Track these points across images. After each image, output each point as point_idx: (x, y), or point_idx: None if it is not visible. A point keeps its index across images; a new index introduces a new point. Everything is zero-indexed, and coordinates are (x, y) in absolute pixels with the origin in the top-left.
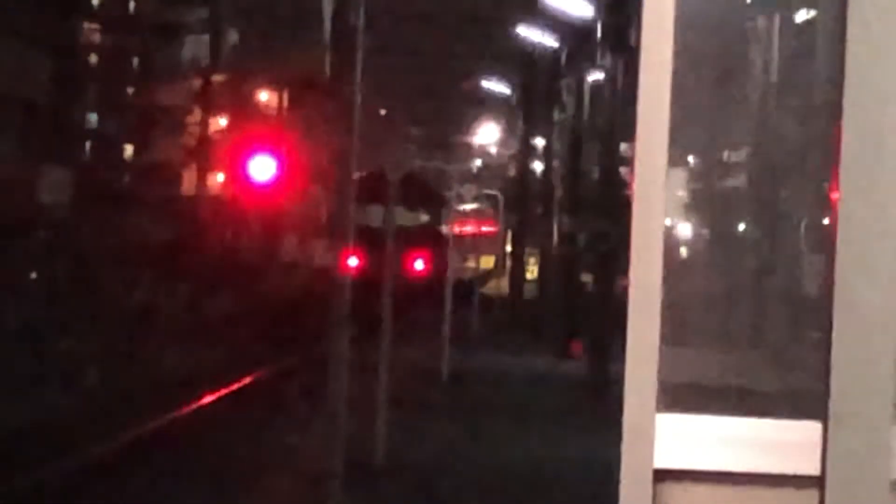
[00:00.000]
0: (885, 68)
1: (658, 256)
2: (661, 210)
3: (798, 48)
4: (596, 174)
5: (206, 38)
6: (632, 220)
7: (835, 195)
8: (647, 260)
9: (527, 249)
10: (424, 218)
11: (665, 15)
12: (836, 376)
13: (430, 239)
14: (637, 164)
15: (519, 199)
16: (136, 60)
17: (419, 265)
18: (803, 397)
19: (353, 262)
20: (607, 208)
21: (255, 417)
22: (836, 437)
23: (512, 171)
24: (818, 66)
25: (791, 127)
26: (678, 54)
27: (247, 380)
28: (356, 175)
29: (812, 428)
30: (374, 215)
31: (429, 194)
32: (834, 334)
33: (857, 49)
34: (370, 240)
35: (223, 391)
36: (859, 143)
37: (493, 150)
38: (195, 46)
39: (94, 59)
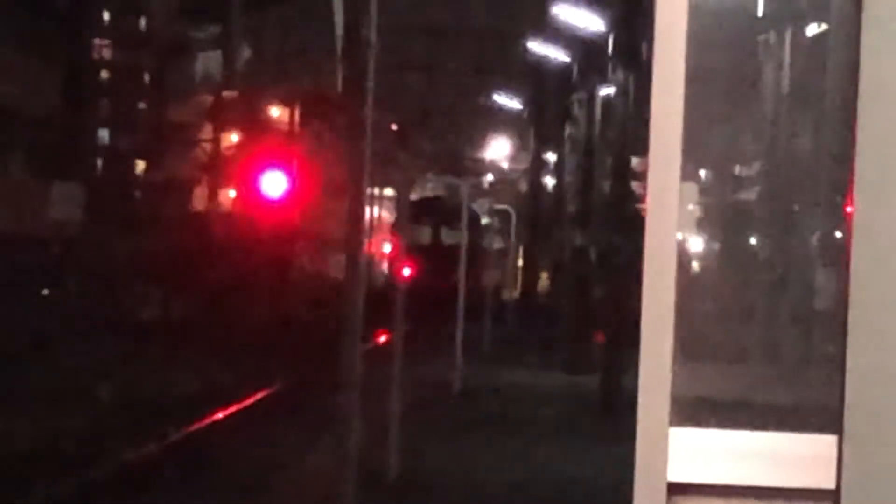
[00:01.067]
0: None
1: (671, 270)
2: (673, 224)
3: (810, 62)
4: (607, 189)
5: (218, 54)
6: (645, 235)
7: (849, 208)
8: (659, 274)
9: (539, 264)
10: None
11: (677, 30)
12: (851, 390)
13: (471, 254)
14: (650, 178)
15: (531, 214)
16: (147, 76)
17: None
18: (817, 412)
19: (406, 272)
20: (619, 223)
21: (267, 433)
22: (852, 451)
23: (524, 186)
24: (830, 80)
25: (804, 140)
26: (690, 69)
27: (257, 395)
28: (413, 198)
29: (827, 442)
30: (424, 234)
31: (469, 214)
32: (848, 347)
33: (870, 61)
34: (421, 254)
35: (234, 408)
36: (874, 156)
37: (505, 164)
38: (207, 63)
39: (105, 74)
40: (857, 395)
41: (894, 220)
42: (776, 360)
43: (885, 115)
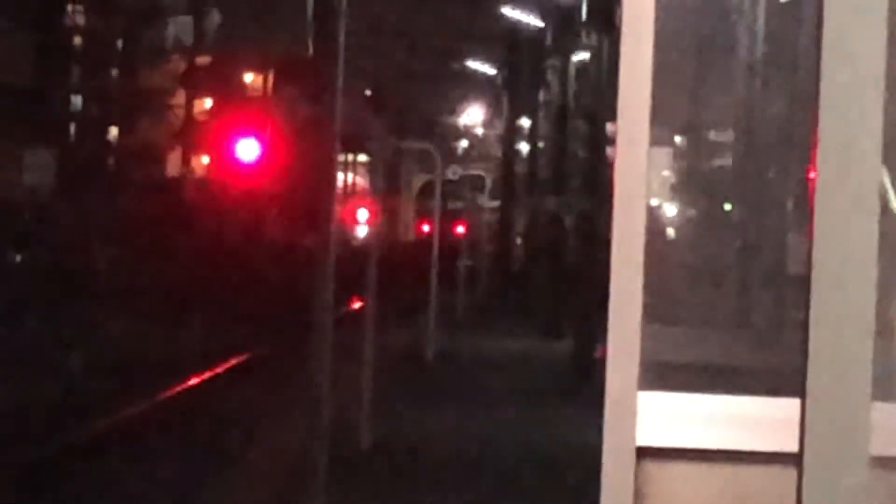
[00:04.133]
0: (863, 44)
1: (640, 235)
2: (642, 188)
3: (782, 26)
4: (581, 154)
5: (188, 19)
6: (614, 199)
7: (813, 174)
8: (628, 238)
9: (512, 229)
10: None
11: None
12: (815, 352)
13: (467, 215)
14: (618, 143)
15: (504, 180)
16: (119, 42)
17: (460, 229)
18: (788, 375)
19: (426, 228)
20: (593, 188)
21: (236, 402)
22: (814, 414)
23: (498, 152)
24: (803, 45)
25: (775, 106)
26: (660, 32)
27: (229, 362)
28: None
29: (792, 405)
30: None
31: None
32: (812, 310)
33: (833, 24)
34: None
35: (204, 375)
36: (836, 120)
37: (479, 130)
38: (179, 28)
39: (77, 41)
40: (820, 357)
41: (856, 186)
42: (747, 323)
43: (848, 80)
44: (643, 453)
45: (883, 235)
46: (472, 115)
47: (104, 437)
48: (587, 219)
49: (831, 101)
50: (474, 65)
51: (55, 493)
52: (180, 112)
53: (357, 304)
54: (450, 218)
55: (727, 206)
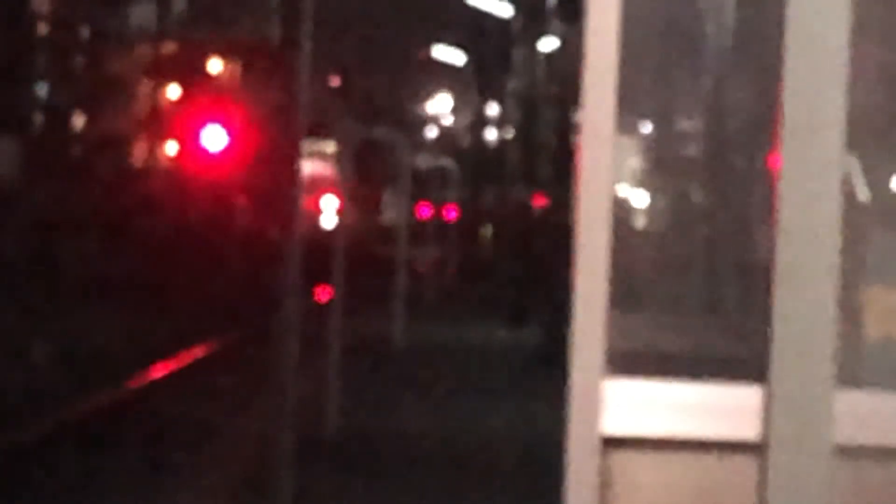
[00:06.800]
0: (826, 29)
1: (605, 221)
2: (608, 175)
3: (752, 11)
4: (550, 142)
5: (153, 5)
6: (579, 186)
7: (776, 161)
8: (593, 225)
9: (481, 218)
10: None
11: None
12: (778, 339)
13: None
14: (583, 130)
15: (473, 168)
16: (83, 29)
17: (452, 214)
18: (753, 362)
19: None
20: (561, 177)
21: (203, 389)
22: (777, 402)
23: (466, 141)
24: (773, 30)
25: (744, 93)
26: (627, 18)
27: (194, 351)
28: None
29: (759, 393)
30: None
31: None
32: (775, 297)
33: (797, 8)
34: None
35: (170, 363)
36: (799, 106)
37: (446, 118)
38: (143, 14)
39: (42, 28)
40: (783, 344)
41: (820, 172)
42: (713, 311)
43: (811, 66)
44: (607, 442)
45: (847, 222)
46: (440, 104)
47: (57, 432)
48: (556, 206)
49: (794, 88)
50: (442, 53)
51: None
52: (145, 99)
53: (323, 293)
54: (418, 205)
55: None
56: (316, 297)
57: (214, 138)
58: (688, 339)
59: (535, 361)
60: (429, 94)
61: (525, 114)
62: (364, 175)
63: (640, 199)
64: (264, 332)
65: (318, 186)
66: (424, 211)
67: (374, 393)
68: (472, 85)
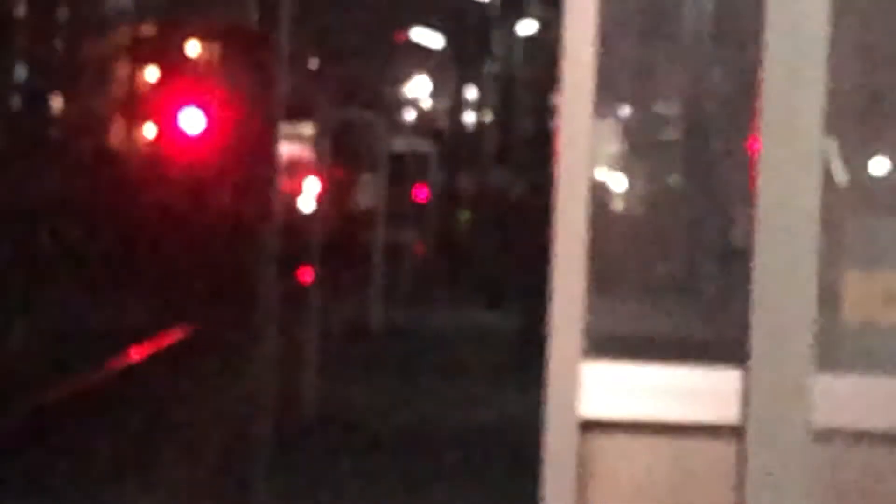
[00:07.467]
0: (806, 15)
1: (583, 205)
2: (586, 159)
3: None
4: (529, 127)
5: None
6: (557, 169)
7: (755, 145)
8: (572, 208)
9: (459, 202)
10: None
11: None
12: (757, 323)
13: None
14: (562, 114)
15: (451, 152)
16: (61, 11)
17: (424, 196)
18: (731, 346)
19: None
20: (540, 161)
21: (180, 373)
22: (756, 385)
23: (444, 124)
24: (752, 14)
25: (724, 77)
26: (605, 1)
27: (171, 335)
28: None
29: (738, 376)
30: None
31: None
32: (754, 280)
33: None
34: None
35: (145, 348)
36: (778, 92)
37: (424, 102)
38: None
39: (19, 10)
40: (762, 327)
41: (799, 156)
42: (691, 294)
43: (790, 50)
44: (586, 425)
45: (825, 206)
46: (418, 87)
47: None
48: (534, 191)
49: (774, 71)
50: (420, 35)
51: None
52: (123, 82)
53: (305, 275)
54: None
55: (673, 178)
56: (300, 279)
57: (192, 121)
58: (667, 322)
59: (511, 345)
60: (407, 77)
61: (503, 97)
62: (342, 158)
63: (618, 182)
64: (244, 314)
65: (297, 169)
66: (403, 193)
67: (349, 378)
68: (451, 68)
